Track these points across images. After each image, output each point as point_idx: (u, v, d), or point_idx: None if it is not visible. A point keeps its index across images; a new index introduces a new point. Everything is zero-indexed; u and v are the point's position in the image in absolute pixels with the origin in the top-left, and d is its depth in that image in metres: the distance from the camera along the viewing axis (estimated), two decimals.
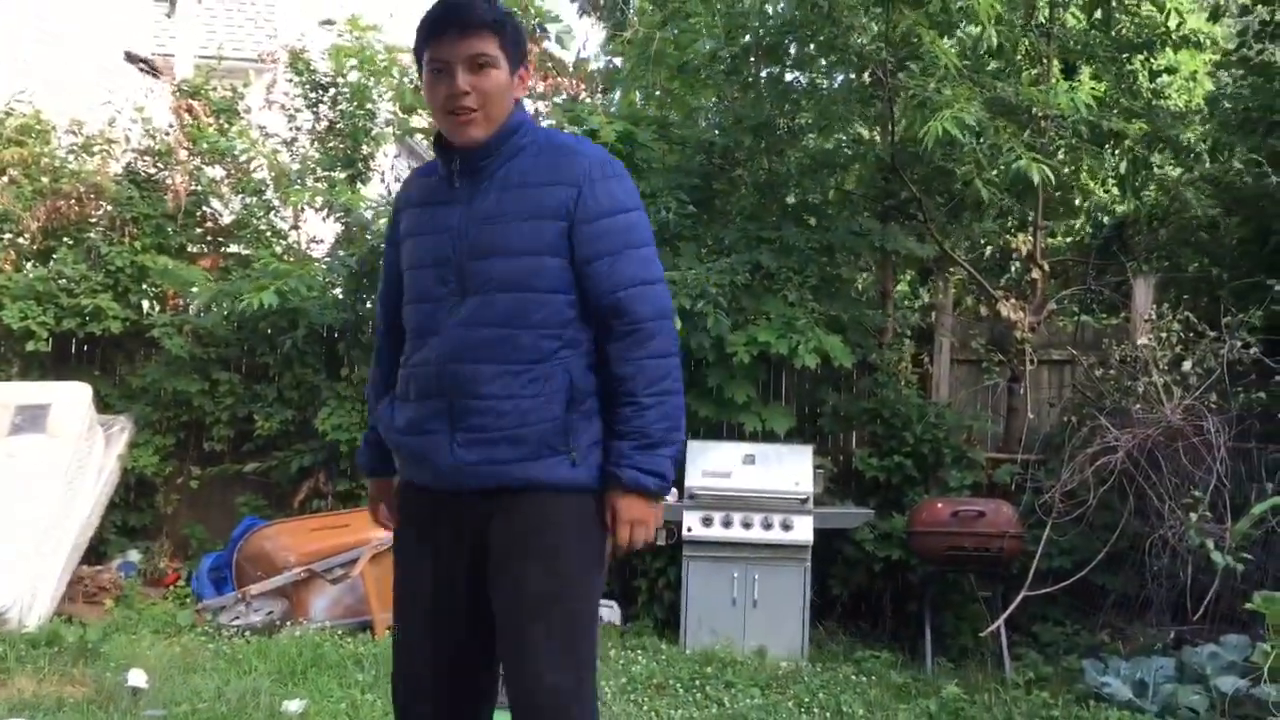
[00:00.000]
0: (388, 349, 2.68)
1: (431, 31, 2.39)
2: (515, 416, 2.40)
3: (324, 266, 8.02)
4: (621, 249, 2.45)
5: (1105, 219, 9.12)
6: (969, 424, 7.51)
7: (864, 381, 7.72)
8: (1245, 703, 5.34)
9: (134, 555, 7.55)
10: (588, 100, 8.56)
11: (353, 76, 8.31)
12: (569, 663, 2.43)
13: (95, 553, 7.35)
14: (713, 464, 6.88)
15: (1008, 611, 6.32)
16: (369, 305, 7.85)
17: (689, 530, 6.61)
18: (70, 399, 6.99)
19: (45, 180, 8.14)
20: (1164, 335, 6.68)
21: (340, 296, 7.84)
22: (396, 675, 2.63)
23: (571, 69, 8.50)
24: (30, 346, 7.59)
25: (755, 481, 6.75)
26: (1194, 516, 6.05)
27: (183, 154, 8.33)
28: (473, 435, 2.42)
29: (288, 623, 6.54)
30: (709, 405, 7.21)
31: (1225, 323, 6.64)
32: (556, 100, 8.25)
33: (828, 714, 5.30)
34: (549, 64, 8.18)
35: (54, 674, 5.44)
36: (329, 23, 8.64)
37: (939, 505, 6.53)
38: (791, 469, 6.80)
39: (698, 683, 5.85)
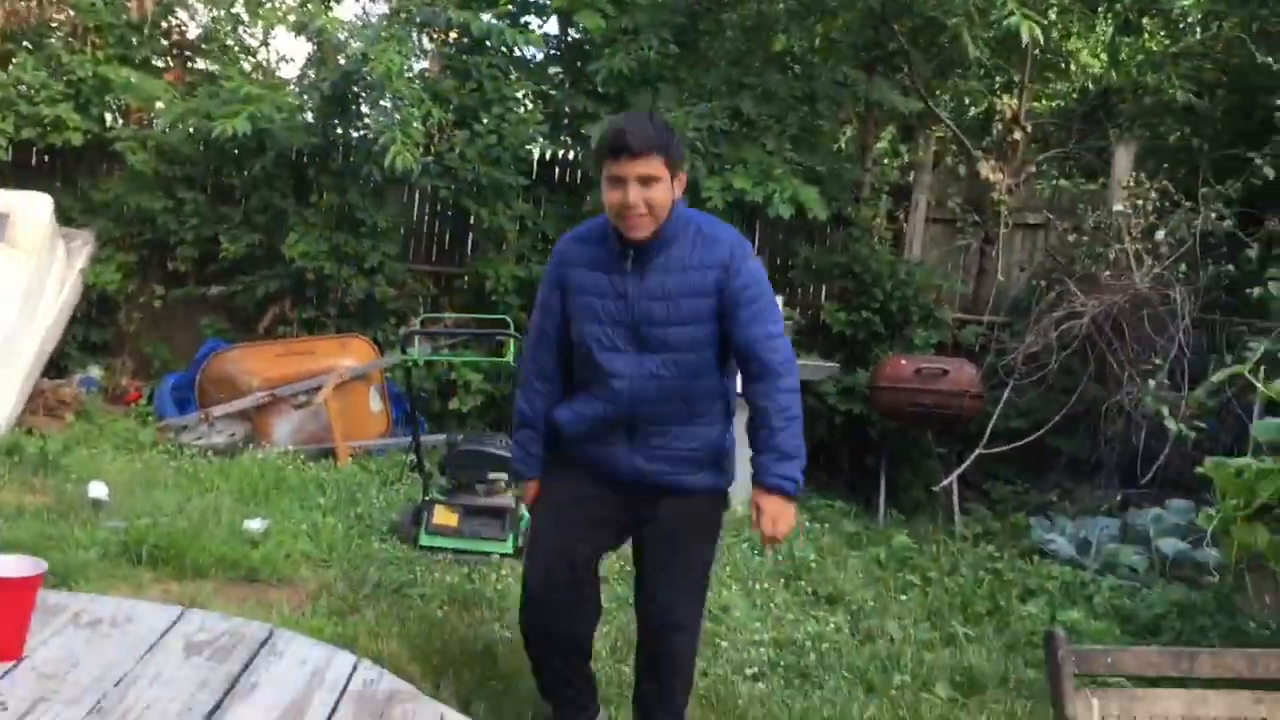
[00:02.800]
0: (546, 390, 3.23)
1: (611, 152, 2.93)
2: (685, 440, 3.11)
3: (295, 89, 7.78)
4: (756, 312, 3.03)
5: (1091, 85, 8.99)
6: (939, 284, 7.52)
7: (838, 235, 7.69)
8: (1184, 564, 5.52)
9: (95, 371, 7.51)
10: None
11: None
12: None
13: (56, 367, 7.31)
14: None
15: (962, 468, 6.45)
16: (339, 130, 7.67)
17: None
18: (31, 209, 6.81)
19: None
20: (1140, 203, 6.66)
21: (310, 120, 7.63)
22: (539, 560, 3.20)
23: None
24: None
25: None
26: (1152, 384, 6.14)
27: None
28: (651, 452, 3.11)
29: (250, 445, 6.57)
30: None
31: (1202, 193, 6.63)
32: None
33: (779, 557, 5.42)
34: None
35: (15, 482, 5.48)
36: None
37: (903, 362, 6.59)
38: None
39: None
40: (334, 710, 1.77)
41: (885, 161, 8.54)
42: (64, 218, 7.38)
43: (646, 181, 2.91)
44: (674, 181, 2.99)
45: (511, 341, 5.79)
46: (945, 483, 6.45)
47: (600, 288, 3.04)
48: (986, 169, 7.36)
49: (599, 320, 3.04)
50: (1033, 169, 7.67)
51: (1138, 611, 4.89)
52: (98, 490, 5.14)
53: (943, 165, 8.41)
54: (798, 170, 7.00)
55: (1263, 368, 4.97)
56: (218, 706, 1.73)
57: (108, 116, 7.91)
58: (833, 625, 4.61)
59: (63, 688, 1.74)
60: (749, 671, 4.09)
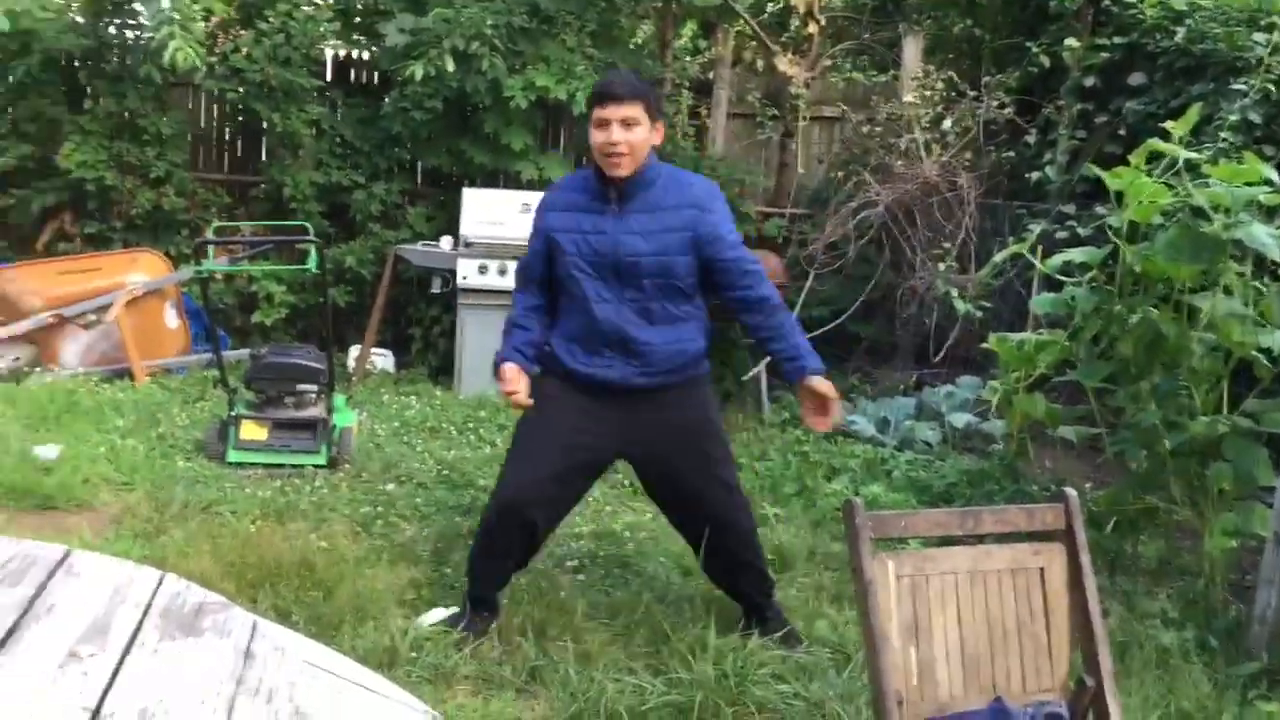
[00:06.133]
0: (538, 312, 3.55)
1: (597, 99, 3.36)
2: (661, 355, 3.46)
3: None
4: (731, 241, 3.45)
5: None
6: (742, 178, 7.63)
7: None
8: (974, 436, 5.88)
9: None
10: None
11: None
12: None
13: None
14: (489, 212, 6.80)
15: (769, 358, 6.63)
16: (112, 30, 7.19)
17: (464, 279, 6.57)
18: None
19: None
20: (928, 94, 6.89)
21: (79, 20, 7.11)
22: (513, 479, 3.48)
23: None
24: None
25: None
26: (942, 267, 6.45)
27: None
28: (639, 367, 3.44)
29: (36, 370, 6.22)
30: (485, 152, 7.05)
31: (984, 83, 6.91)
32: None
33: None
34: None
35: None
36: None
37: None
38: None
39: (471, 425, 5.96)
40: (139, 627, 1.73)
41: (686, 58, 8.56)
42: None
43: (628, 124, 3.32)
44: (653, 129, 3.39)
45: (313, 248, 5.60)
46: (753, 372, 6.64)
47: (580, 226, 3.41)
48: (784, 63, 7.47)
49: (584, 256, 3.39)
50: (828, 62, 7.84)
51: (932, 482, 5.18)
52: None
53: (742, 61, 8.49)
54: (599, 67, 6.96)
55: (1040, 246, 5.28)
56: (12, 631, 1.66)
57: None
58: (649, 515, 4.70)
59: None
60: (570, 564, 4.17)
